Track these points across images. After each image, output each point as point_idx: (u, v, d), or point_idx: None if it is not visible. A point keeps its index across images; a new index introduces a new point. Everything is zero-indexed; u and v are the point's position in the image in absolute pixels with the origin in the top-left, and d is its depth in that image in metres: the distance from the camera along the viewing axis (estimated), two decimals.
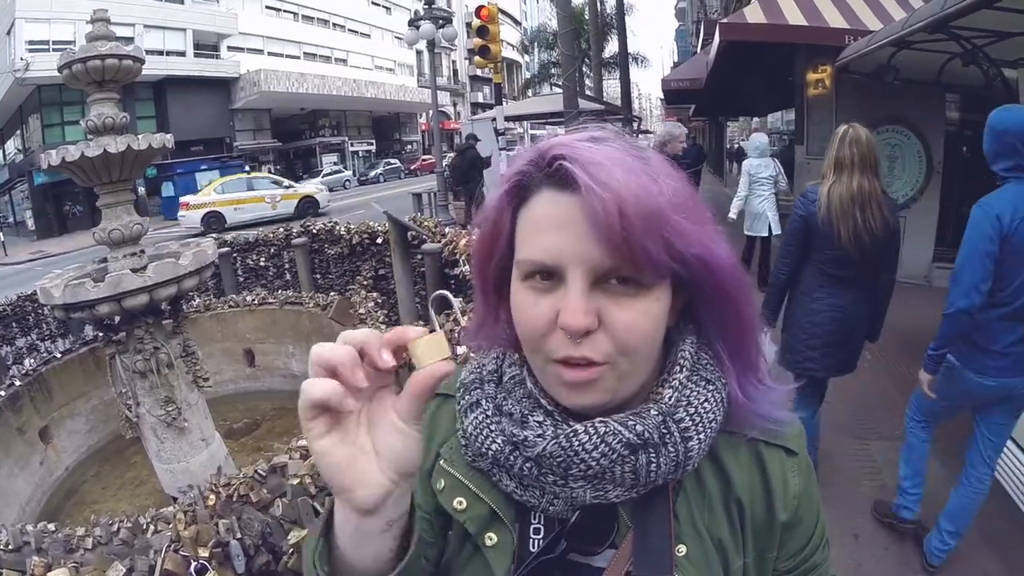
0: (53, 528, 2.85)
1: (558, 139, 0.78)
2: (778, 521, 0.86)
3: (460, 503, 0.88)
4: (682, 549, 0.80)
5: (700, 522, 0.83)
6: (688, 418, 0.80)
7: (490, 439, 0.84)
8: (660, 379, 0.83)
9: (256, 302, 7.70)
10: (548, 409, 0.81)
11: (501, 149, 13.04)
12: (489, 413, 0.86)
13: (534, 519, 0.86)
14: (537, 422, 0.81)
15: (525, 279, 0.77)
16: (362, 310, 6.35)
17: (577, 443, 0.76)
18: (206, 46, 38.00)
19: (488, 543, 0.86)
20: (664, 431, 0.78)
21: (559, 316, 0.73)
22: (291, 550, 1.85)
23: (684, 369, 0.82)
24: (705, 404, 0.81)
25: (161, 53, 33.55)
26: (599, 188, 0.69)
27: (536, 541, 0.85)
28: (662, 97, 33.01)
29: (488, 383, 0.91)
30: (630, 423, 0.76)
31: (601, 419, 0.78)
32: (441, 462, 0.92)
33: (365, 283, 7.78)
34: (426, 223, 7.18)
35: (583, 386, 0.75)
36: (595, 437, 0.76)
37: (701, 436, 0.80)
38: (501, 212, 0.81)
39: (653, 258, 0.70)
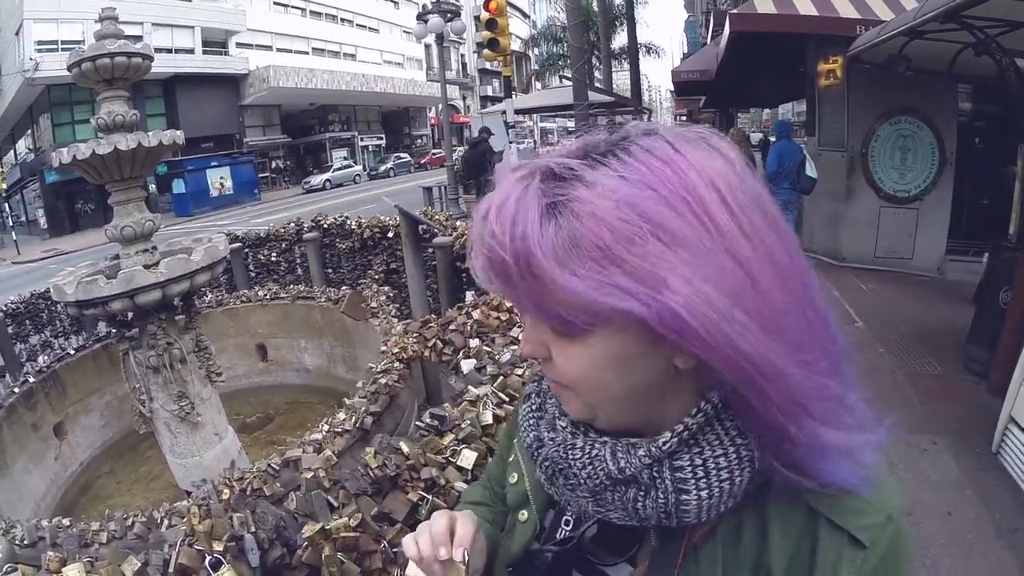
0: (68, 523, 2.87)
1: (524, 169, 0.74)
2: None
3: (513, 478, 1.01)
4: None
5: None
6: (690, 469, 0.72)
7: (527, 431, 0.90)
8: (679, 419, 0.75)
9: (268, 297, 7.73)
10: (576, 426, 0.82)
11: (511, 142, 13.00)
12: (534, 408, 0.91)
13: (569, 513, 0.90)
14: (561, 427, 0.83)
15: None
16: (374, 304, 6.37)
17: (571, 456, 0.79)
18: (215, 43, 38.01)
19: (520, 519, 0.96)
20: (655, 475, 0.73)
21: None
22: (305, 544, 1.85)
23: (702, 414, 0.73)
24: (719, 460, 0.72)
25: (170, 51, 33.59)
26: (477, 234, 0.71)
27: (564, 531, 0.89)
28: (672, 89, 32.89)
29: (545, 379, 0.91)
30: (619, 455, 0.75)
31: (603, 440, 0.78)
32: (515, 440, 1.03)
33: (377, 277, 7.79)
34: (437, 217, 7.18)
35: (560, 399, 0.81)
36: (584, 457, 0.78)
37: (703, 494, 0.72)
38: None
39: (541, 309, 0.69)
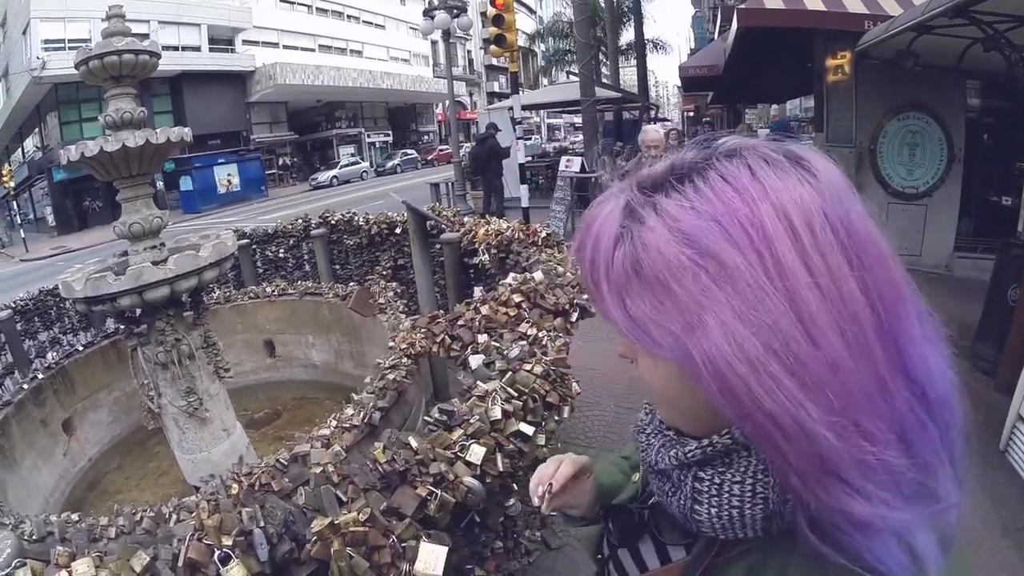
0: (76, 518, 2.88)
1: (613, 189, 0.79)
2: None
3: None
4: None
5: None
6: (708, 484, 0.74)
7: (647, 409, 0.95)
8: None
9: (276, 293, 7.74)
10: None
11: (518, 138, 13.01)
12: None
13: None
14: (646, 411, 0.94)
15: None
16: (381, 300, 6.37)
17: (639, 438, 0.91)
18: (221, 40, 38.14)
19: (633, 479, 1.10)
20: (682, 478, 0.78)
21: None
22: (314, 538, 1.86)
23: (729, 436, 0.72)
24: (735, 485, 0.72)
25: (176, 48, 33.73)
26: (574, 247, 0.79)
27: (645, 504, 1.00)
28: (679, 85, 32.83)
29: None
30: (660, 451, 0.83)
31: (664, 434, 0.85)
32: None
33: (384, 273, 7.79)
34: (444, 213, 7.18)
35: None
36: (647, 441, 0.88)
37: (712, 511, 0.73)
38: None
39: (620, 323, 0.71)
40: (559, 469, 1.14)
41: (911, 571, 0.63)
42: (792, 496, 0.67)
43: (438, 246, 6.60)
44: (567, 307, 3.56)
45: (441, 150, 45.65)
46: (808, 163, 0.68)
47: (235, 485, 2.63)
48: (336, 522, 1.87)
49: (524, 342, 3.04)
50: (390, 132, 51.92)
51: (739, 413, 0.63)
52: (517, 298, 3.57)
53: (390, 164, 43.78)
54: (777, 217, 0.63)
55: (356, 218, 8.39)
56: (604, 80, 26.82)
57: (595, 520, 1.20)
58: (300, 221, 8.97)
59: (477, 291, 4.30)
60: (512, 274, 4.12)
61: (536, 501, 1.14)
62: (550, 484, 1.12)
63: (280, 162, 44.01)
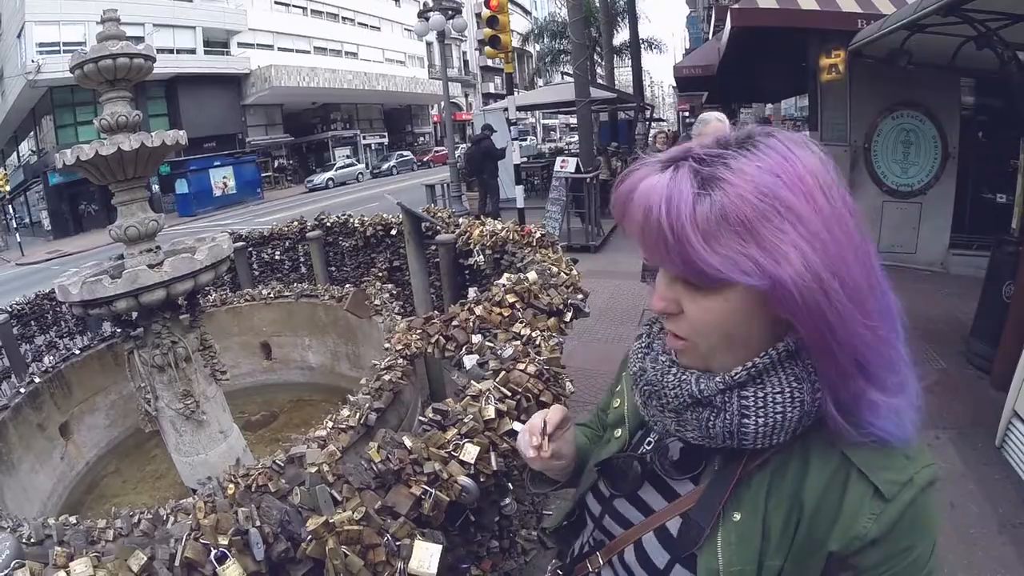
0: (74, 521, 2.89)
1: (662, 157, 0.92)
2: (826, 549, 0.86)
3: (616, 402, 1.26)
4: (737, 516, 0.92)
5: (763, 502, 0.91)
6: (752, 399, 0.89)
7: (635, 363, 1.08)
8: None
9: (272, 295, 7.74)
10: (672, 358, 1.01)
11: (514, 139, 13.01)
12: (643, 345, 1.10)
13: (651, 435, 1.12)
14: (662, 360, 1.01)
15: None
16: (377, 301, 6.37)
17: (666, 380, 0.98)
18: (216, 43, 38.13)
19: (615, 435, 1.21)
20: (725, 400, 0.91)
21: None
22: (309, 537, 1.87)
23: (768, 357, 0.89)
24: (777, 396, 0.88)
25: (171, 51, 33.73)
26: (635, 205, 0.88)
27: (644, 449, 1.12)
28: (674, 84, 32.84)
29: (657, 323, 1.11)
30: (700, 381, 0.92)
31: (692, 370, 0.96)
32: (624, 373, 1.24)
33: (380, 275, 7.81)
34: (440, 214, 7.18)
35: (677, 351, 0.98)
36: (675, 380, 0.96)
37: (760, 421, 0.88)
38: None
39: (689, 266, 0.83)
40: (547, 416, 1.21)
41: (904, 437, 0.87)
42: (825, 391, 0.86)
43: (433, 247, 6.60)
44: (561, 307, 3.57)
45: (437, 151, 45.62)
46: (812, 145, 0.88)
47: (231, 486, 2.64)
48: (331, 521, 1.88)
49: (518, 342, 3.05)
50: (386, 134, 51.93)
51: (809, 324, 0.82)
52: (511, 298, 3.57)
53: (386, 166, 43.78)
54: (810, 176, 0.83)
55: (352, 220, 8.39)
56: (599, 80, 26.82)
57: (568, 483, 1.35)
58: (296, 223, 8.97)
59: (472, 292, 4.30)
60: (506, 275, 4.12)
61: (531, 453, 1.19)
62: (543, 432, 1.19)
63: (276, 164, 43.97)
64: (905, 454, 0.86)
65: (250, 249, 9.04)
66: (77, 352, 6.65)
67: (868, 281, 0.85)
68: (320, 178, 39.04)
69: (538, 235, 5.20)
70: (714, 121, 4.89)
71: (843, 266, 0.81)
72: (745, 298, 0.85)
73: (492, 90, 61.39)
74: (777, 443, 0.90)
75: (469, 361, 3.02)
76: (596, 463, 1.18)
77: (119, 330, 4.90)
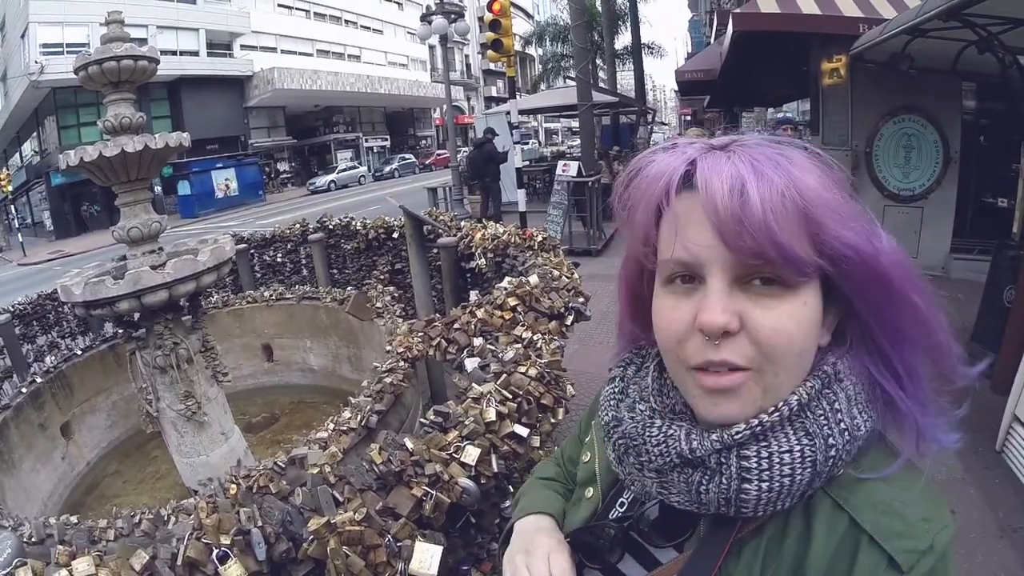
0: (76, 520, 2.90)
1: (696, 143, 0.81)
2: None
3: (586, 456, 1.09)
4: None
5: (757, 574, 0.78)
6: (756, 460, 0.75)
7: (606, 411, 0.94)
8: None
9: (274, 297, 7.76)
10: (654, 406, 0.88)
11: (516, 142, 13.03)
12: (616, 391, 0.96)
13: (625, 494, 0.97)
14: (640, 410, 0.89)
15: (667, 283, 0.80)
16: (379, 304, 6.39)
17: (647, 434, 0.83)
18: (219, 45, 38.14)
19: (586, 495, 1.04)
20: (722, 460, 0.76)
21: (697, 317, 0.74)
22: (310, 537, 1.87)
23: (779, 414, 0.76)
24: (785, 455, 0.75)
25: (175, 53, 33.71)
26: (718, 182, 0.72)
27: (617, 511, 0.97)
28: (676, 89, 32.87)
29: (631, 366, 0.99)
30: (692, 437, 0.78)
31: (680, 423, 0.81)
32: (593, 422, 1.10)
33: (382, 278, 7.81)
34: (442, 217, 7.20)
35: (722, 394, 0.76)
36: (660, 435, 0.81)
37: (763, 485, 0.74)
38: (647, 218, 0.82)
39: (788, 252, 0.70)
40: (553, 565, 0.94)
41: (938, 530, 0.74)
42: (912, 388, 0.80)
43: (435, 250, 6.61)
44: (562, 310, 3.57)
45: (439, 155, 45.59)
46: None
47: (233, 487, 2.65)
48: (332, 521, 1.89)
49: (519, 345, 3.06)
50: (388, 137, 51.90)
51: (898, 318, 0.77)
52: (512, 302, 3.58)
53: (388, 169, 43.73)
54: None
55: (354, 223, 8.40)
56: (601, 84, 26.83)
57: None
58: (298, 226, 8.99)
59: (473, 295, 4.32)
60: (508, 278, 4.13)
61: None
62: None
63: (278, 167, 43.99)
64: (923, 516, 0.74)
65: (252, 251, 9.06)
66: (79, 352, 6.66)
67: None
68: (322, 181, 38.99)
69: (540, 239, 5.21)
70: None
71: (866, 233, 0.75)
72: (817, 298, 0.76)
73: (494, 93, 61.41)
74: (781, 510, 0.77)
75: (470, 364, 3.03)
76: (568, 535, 1.01)
77: (121, 331, 4.91)
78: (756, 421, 0.75)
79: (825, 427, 0.76)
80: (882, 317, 0.77)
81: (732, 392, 0.75)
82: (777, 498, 0.75)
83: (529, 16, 67.71)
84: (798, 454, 0.74)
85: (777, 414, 0.75)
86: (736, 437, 0.75)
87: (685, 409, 0.85)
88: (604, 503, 0.99)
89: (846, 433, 0.76)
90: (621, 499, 0.97)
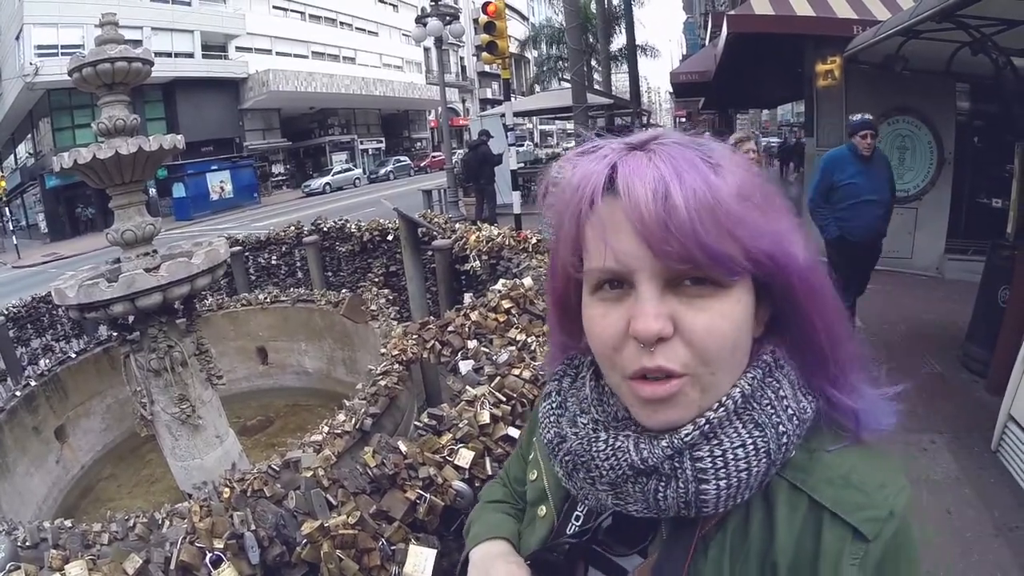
0: (70, 524, 2.89)
1: (613, 144, 0.79)
2: None
3: (533, 474, 1.05)
4: None
5: (727, 569, 0.77)
6: (710, 459, 0.74)
7: (548, 428, 0.90)
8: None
9: (268, 300, 7.76)
10: (596, 416, 0.85)
11: (511, 144, 13.01)
12: (554, 406, 0.92)
13: (579, 507, 0.93)
14: (582, 423, 0.85)
15: (595, 291, 0.78)
16: (374, 307, 6.39)
17: (595, 449, 0.80)
18: (214, 47, 38.08)
19: (539, 514, 1.00)
20: (676, 465, 0.75)
21: (630, 324, 0.73)
22: (304, 541, 1.87)
23: (724, 408, 0.75)
24: (739, 450, 0.74)
25: (169, 55, 33.70)
26: (641, 187, 0.70)
27: (574, 526, 0.93)
28: (671, 91, 32.90)
29: (566, 377, 0.95)
30: (641, 446, 0.76)
31: (626, 433, 0.79)
32: (535, 439, 1.07)
33: (376, 280, 7.82)
34: (436, 219, 7.20)
35: (661, 403, 0.75)
36: (607, 449, 0.79)
37: (722, 483, 0.74)
38: (572, 226, 0.80)
39: (717, 254, 0.69)
40: None
41: (894, 498, 0.74)
42: (818, 392, 0.80)
43: (430, 253, 6.62)
44: None
45: (434, 157, 45.55)
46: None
47: (227, 490, 2.64)
48: (326, 525, 1.88)
49: (513, 347, 3.06)
50: (383, 139, 51.85)
51: (815, 310, 0.78)
52: (507, 304, 3.58)
53: (383, 171, 43.69)
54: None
55: (348, 225, 8.41)
56: (596, 86, 26.86)
57: None
58: (293, 228, 8.99)
59: (468, 297, 4.32)
60: (502, 280, 4.13)
61: None
62: None
63: (273, 169, 43.93)
64: (880, 483, 0.75)
65: (247, 254, 9.06)
66: (73, 355, 6.65)
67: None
68: (317, 183, 38.97)
69: (534, 240, 5.21)
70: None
71: (784, 240, 0.76)
72: (748, 294, 0.75)
73: (489, 95, 61.42)
74: (741, 502, 0.77)
75: (465, 366, 3.02)
76: (527, 557, 0.98)
77: (115, 334, 4.91)
78: (703, 420, 0.74)
79: (773, 415, 0.76)
80: (803, 312, 0.78)
81: (671, 400, 0.74)
82: (736, 492, 0.75)
83: (524, 18, 67.72)
84: (751, 447, 0.74)
85: (723, 409, 0.75)
86: (686, 439, 0.74)
87: (628, 414, 0.82)
88: (559, 520, 0.97)
89: (794, 418, 0.77)
90: (576, 512, 0.94)
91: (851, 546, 0.71)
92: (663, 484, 0.76)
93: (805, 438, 0.78)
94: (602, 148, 0.79)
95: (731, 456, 0.74)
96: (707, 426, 0.74)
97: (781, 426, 0.75)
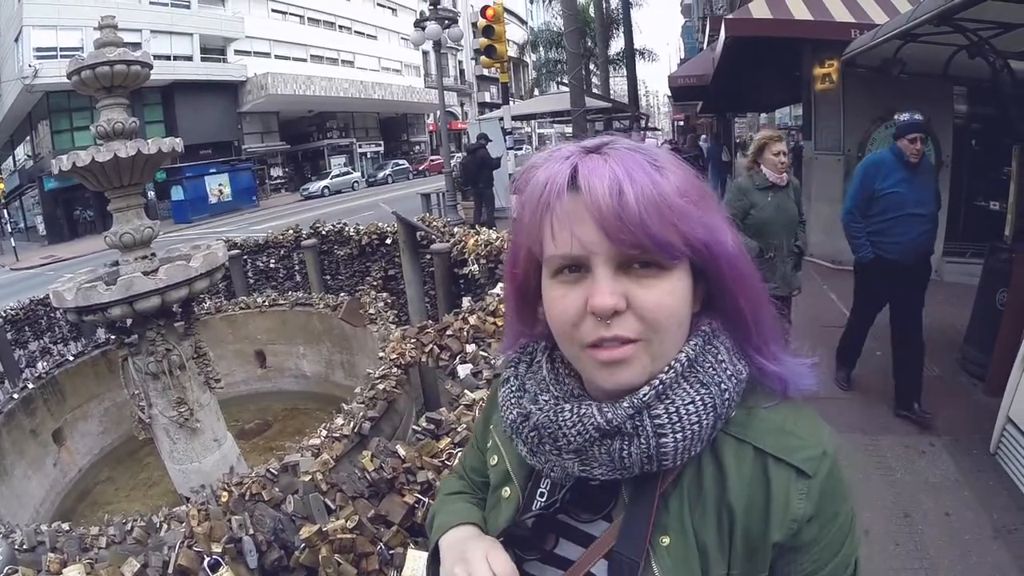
0: (67, 528, 2.88)
1: (572, 147, 0.91)
2: (770, 541, 0.84)
3: (493, 459, 1.12)
4: (665, 540, 0.87)
5: (688, 519, 0.87)
6: (666, 415, 0.84)
7: (509, 409, 0.99)
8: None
9: (266, 303, 7.74)
10: (555, 394, 0.95)
11: (509, 148, 13.02)
12: (514, 388, 1.01)
13: (542, 484, 1.02)
14: (544, 400, 0.94)
15: (555, 275, 0.88)
16: (372, 310, 6.38)
17: (561, 419, 0.88)
18: (213, 50, 38.10)
19: (504, 495, 1.06)
20: (637, 423, 0.85)
21: (588, 302, 0.83)
22: (302, 545, 1.87)
23: (673, 371, 0.86)
24: (689, 406, 0.85)
25: (168, 58, 33.70)
26: (599, 184, 0.81)
27: (539, 502, 1.01)
28: (669, 94, 32.93)
29: (522, 363, 1.05)
30: (604, 409, 0.85)
31: (588, 402, 0.89)
32: (491, 427, 1.15)
33: (375, 283, 7.82)
34: (435, 223, 7.20)
35: (617, 365, 0.85)
36: (574, 416, 0.87)
37: (678, 436, 0.84)
38: (538, 219, 0.89)
39: (661, 241, 0.80)
40: (494, 563, 0.94)
41: (824, 442, 0.87)
42: (748, 359, 0.91)
43: (428, 257, 6.62)
44: None
45: (432, 160, 45.53)
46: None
47: (225, 494, 2.63)
48: (324, 529, 1.88)
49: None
50: (381, 142, 51.85)
51: (740, 289, 0.89)
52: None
53: (381, 174, 43.66)
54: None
55: (347, 228, 8.41)
56: (595, 90, 26.90)
57: None
58: (291, 231, 8.98)
59: (466, 301, 4.32)
60: (501, 284, 4.13)
61: None
62: None
63: (271, 172, 43.93)
64: (809, 429, 0.89)
65: (245, 257, 9.05)
66: (71, 358, 6.64)
67: None
68: (316, 186, 38.94)
69: None
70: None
71: (716, 230, 0.87)
72: (687, 275, 0.87)
73: (488, 99, 61.46)
74: (693, 455, 0.87)
75: (463, 370, 3.02)
76: (499, 535, 1.01)
77: (113, 337, 4.90)
78: (657, 381, 0.85)
79: (715, 375, 0.87)
80: (731, 291, 0.90)
81: (625, 362, 0.85)
82: (691, 445, 0.85)
83: (523, 22, 67.79)
84: (700, 403, 0.85)
85: (672, 371, 0.86)
86: (644, 399, 0.84)
87: (582, 392, 0.95)
88: (524, 497, 1.04)
89: (732, 378, 0.88)
90: (540, 489, 1.02)
91: (796, 483, 0.84)
92: (627, 443, 0.85)
93: (743, 397, 0.90)
94: (563, 150, 0.90)
95: (683, 412, 0.84)
96: (660, 386, 0.85)
97: (723, 383, 0.87)
